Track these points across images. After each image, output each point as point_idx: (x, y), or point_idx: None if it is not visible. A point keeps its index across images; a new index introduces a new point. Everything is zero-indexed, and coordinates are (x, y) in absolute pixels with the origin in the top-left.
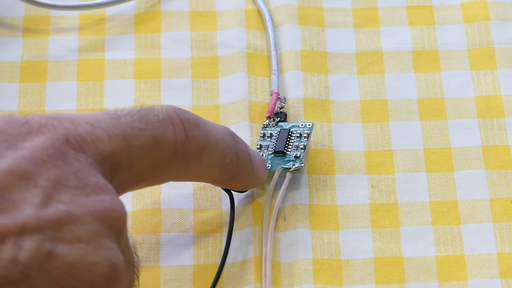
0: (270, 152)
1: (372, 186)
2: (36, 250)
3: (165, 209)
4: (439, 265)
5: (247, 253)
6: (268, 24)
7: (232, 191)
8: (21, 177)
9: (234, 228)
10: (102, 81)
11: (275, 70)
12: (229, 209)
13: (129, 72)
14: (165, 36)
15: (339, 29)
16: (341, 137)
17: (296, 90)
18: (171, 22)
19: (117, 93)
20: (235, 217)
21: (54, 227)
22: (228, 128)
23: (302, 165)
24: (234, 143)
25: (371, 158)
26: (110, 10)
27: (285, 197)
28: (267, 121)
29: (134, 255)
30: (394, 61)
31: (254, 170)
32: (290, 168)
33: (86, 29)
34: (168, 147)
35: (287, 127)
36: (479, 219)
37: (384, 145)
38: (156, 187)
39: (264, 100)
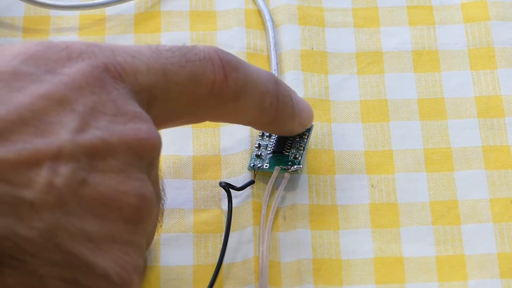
0: (268, 152)
1: (372, 186)
2: (71, 176)
3: (165, 209)
4: (439, 265)
5: (247, 253)
6: (268, 24)
7: (230, 190)
8: (59, 102)
9: (234, 228)
10: None
11: (274, 70)
12: (228, 213)
13: None
14: (165, 36)
15: (339, 29)
16: (341, 137)
17: (296, 90)
18: (171, 22)
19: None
20: (235, 217)
21: (89, 154)
22: (271, 73)
23: (301, 166)
24: (276, 88)
25: (371, 158)
26: (110, 10)
27: (285, 197)
28: None
29: (161, 190)
30: (394, 61)
31: (297, 116)
32: (289, 169)
33: (86, 29)
34: (206, 86)
35: None
36: (479, 219)
37: (384, 145)
38: None
39: None
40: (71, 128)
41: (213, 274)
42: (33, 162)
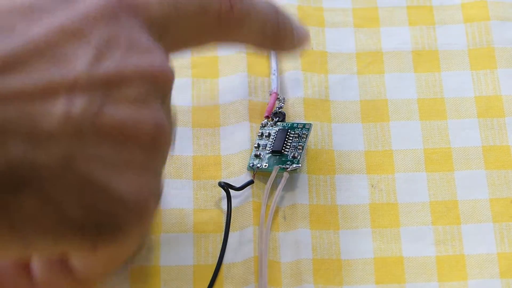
0: (267, 152)
1: (372, 186)
2: (87, 107)
3: (165, 209)
4: (439, 265)
5: (247, 253)
6: None
7: (230, 190)
8: (74, 34)
9: (234, 228)
10: None
11: (274, 70)
12: (227, 213)
13: None
14: None
15: (339, 29)
16: (341, 137)
17: (296, 90)
18: None
19: None
20: (235, 217)
21: (104, 85)
22: (272, 4)
23: (300, 165)
24: (276, 16)
25: (371, 158)
26: None
27: (285, 197)
28: (266, 120)
29: (173, 118)
30: (394, 61)
31: (295, 38)
32: (288, 168)
33: None
34: (213, 15)
35: (285, 127)
36: (479, 219)
37: (384, 145)
38: None
39: (264, 100)
40: (86, 59)
41: (213, 274)
42: (49, 92)
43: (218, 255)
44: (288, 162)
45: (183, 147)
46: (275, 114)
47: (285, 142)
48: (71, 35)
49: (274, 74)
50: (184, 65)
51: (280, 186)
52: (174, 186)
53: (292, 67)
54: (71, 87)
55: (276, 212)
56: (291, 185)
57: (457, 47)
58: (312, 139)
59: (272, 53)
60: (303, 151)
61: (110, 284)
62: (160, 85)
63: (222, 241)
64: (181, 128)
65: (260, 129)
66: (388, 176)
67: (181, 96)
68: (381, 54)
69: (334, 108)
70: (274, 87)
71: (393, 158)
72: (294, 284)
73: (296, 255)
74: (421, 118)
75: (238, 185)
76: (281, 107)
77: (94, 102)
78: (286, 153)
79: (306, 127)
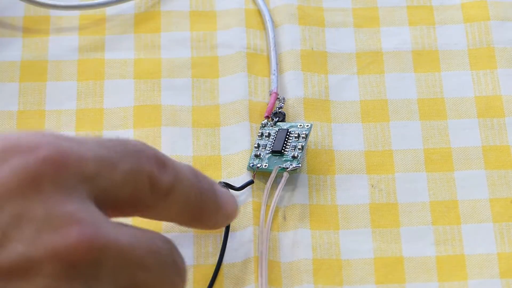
0: (267, 151)
1: (372, 186)
2: None
3: None
4: (439, 265)
5: (247, 253)
6: (268, 24)
7: (230, 190)
8: None
9: (234, 228)
10: (102, 81)
11: (274, 70)
12: None
13: (129, 72)
14: (165, 36)
15: (339, 29)
16: (341, 137)
17: (296, 90)
18: (171, 22)
19: (117, 93)
20: (236, 217)
21: (7, 277)
22: (191, 167)
23: (300, 165)
24: (197, 182)
25: (371, 158)
26: (110, 10)
27: (285, 197)
28: (266, 120)
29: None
30: (394, 61)
31: (222, 208)
32: (287, 168)
33: (86, 29)
34: (146, 177)
35: (285, 127)
36: (479, 219)
37: (384, 145)
38: None
39: (264, 100)
40: None
41: (213, 274)
42: None
43: (218, 255)
44: (288, 162)
45: (183, 147)
46: (275, 114)
47: (285, 142)
48: None
49: (274, 74)
50: (184, 65)
51: (280, 186)
52: None
53: (292, 67)
54: None
55: (276, 212)
56: (291, 185)
57: (457, 47)
58: (312, 139)
59: (272, 53)
60: (303, 151)
61: None
62: (79, 263)
63: (222, 241)
64: (181, 128)
65: (260, 129)
66: (388, 176)
67: (181, 96)
68: (381, 54)
69: (334, 108)
70: (274, 87)
71: (393, 158)
72: (294, 284)
73: (296, 255)
74: (421, 118)
75: (238, 185)
76: (281, 107)
77: None
78: (286, 153)
79: (306, 127)
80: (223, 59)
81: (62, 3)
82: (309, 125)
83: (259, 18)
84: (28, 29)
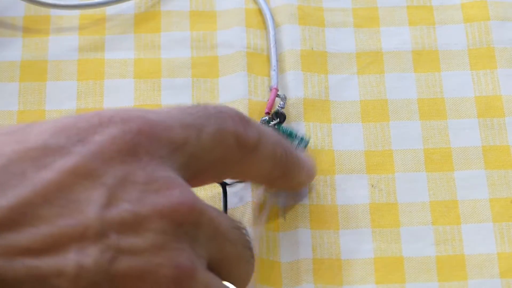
0: None
1: (372, 186)
2: (100, 256)
3: None
4: (439, 265)
5: None
6: (269, 21)
7: (226, 187)
8: (86, 175)
9: None
10: (102, 81)
11: (274, 66)
12: (223, 206)
13: (129, 72)
14: (165, 36)
15: (339, 29)
16: (341, 137)
17: (296, 90)
18: (171, 22)
19: (117, 93)
20: (235, 217)
21: (118, 229)
22: (271, 129)
23: None
24: (280, 140)
25: (371, 158)
26: (110, 10)
27: (285, 197)
28: (266, 117)
29: (238, 245)
30: (394, 61)
31: (305, 167)
32: None
33: (86, 29)
34: (232, 137)
35: (284, 133)
36: (479, 219)
37: (384, 145)
38: None
39: (264, 99)
40: (98, 203)
41: None
42: (59, 246)
43: None
44: None
45: None
46: (276, 114)
47: None
48: (84, 177)
49: (274, 70)
50: (184, 65)
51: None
52: None
53: (292, 67)
54: (82, 237)
55: (276, 212)
56: None
57: (457, 47)
58: (312, 139)
59: (272, 49)
60: None
61: None
62: (181, 220)
63: None
64: None
65: None
66: (388, 176)
67: (181, 96)
68: (381, 54)
69: (334, 108)
70: (274, 83)
71: (393, 158)
72: (294, 284)
73: (296, 255)
74: (421, 118)
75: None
76: (282, 107)
77: (107, 252)
78: None
79: (305, 141)
80: (223, 59)
81: (62, 3)
82: (308, 139)
83: (259, 18)
84: (28, 29)
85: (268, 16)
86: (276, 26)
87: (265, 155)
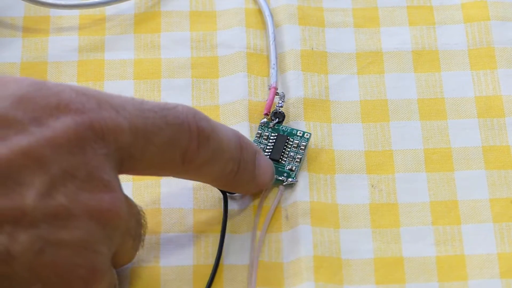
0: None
1: (372, 186)
2: (29, 245)
3: (165, 209)
4: (439, 265)
5: (248, 256)
6: (268, 19)
7: (227, 193)
8: (35, 160)
9: (235, 231)
10: (102, 82)
11: (273, 64)
12: (224, 210)
13: (129, 73)
14: (165, 36)
15: (339, 29)
16: (341, 137)
17: (296, 90)
18: (171, 22)
19: (117, 93)
20: (236, 221)
21: (50, 221)
22: (238, 137)
23: (296, 180)
24: (239, 154)
25: (371, 158)
26: (110, 10)
27: (286, 196)
28: (265, 119)
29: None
30: (394, 61)
31: (256, 179)
32: (284, 182)
33: (86, 29)
34: (180, 152)
35: (285, 133)
36: (479, 219)
37: (384, 145)
38: (156, 187)
39: (264, 99)
40: (38, 191)
41: (211, 274)
42: None
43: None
44: (285, 174)
45: None
46: (275, 114)
47: (283, 150)
48: (33, 160)
49: (273, 68)
50: (184, 65)
51: (276, 201)
52: (174, 186)
53: (292, 67)
54: (15, 222)
55: (279, 212)
56: (292, 184)
57: (457, 47)
58: (312, 139)
59: (272, 47)
60: (300, 164)
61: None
62: (106, 223)
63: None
64: None
65: (259, 129)
66: (388, 176)
67: (181, 96)
68: (381, 54)
69: (334, 108)
70: (273, 81)
71: (393, 158)
72: (295, 282)
73: (297, 253)
74: (421, 118)
75: None
76: (281, 106)
77: (36, 243)
78: (283, 162)
79: (305, 137)
80: (223, 59)
81: (62, 2)
82: (309, 135)
83: (259, 18)
84: (28, 29)
85: (267, 14)
86: (276, 26)
87: (211, 172)
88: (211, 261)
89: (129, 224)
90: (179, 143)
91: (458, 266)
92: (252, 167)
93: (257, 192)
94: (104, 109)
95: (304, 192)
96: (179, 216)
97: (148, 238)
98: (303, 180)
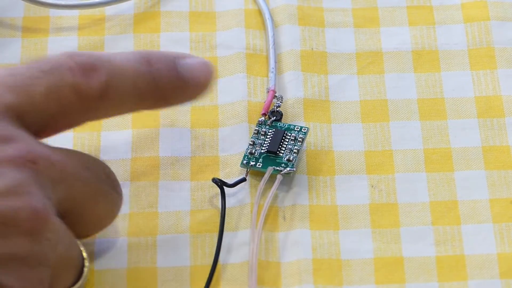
0: (263, 151)
1: (372, 186)
2: None
3: (162, 212)
4: (439, 265)
5: (245, 255)
6: (268, 22)
7: (224, 187)
8: None
9: (231, 229)
10: None
11: (272, 68)
12: (221, 206)
13: None
14: (165, 36)
15: (339, 29)
16: (341, 138)
17: (295, 91)
18: (170, 23)
19: None
20: (232, 219)
21: None
22: (139, 53)
23: (294, 169)
24: (147, 67)
25: (371, 158)
26: (109, 10)
27: (284, 197)
28: (262, 118)
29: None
30: (394, 61)
31: (188, 83)
32: (281, 171)
33: (85, 29)
34: (70, 91)
35: (282, 129)
36: (479, 219)
37: (384, 145)
38: (153, 189)
39: (263, 100)
40: None
41: (210, 273)
42: None
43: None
44: (283, 164)
45: (181, 148)
46: (272, 112)
47: (281, 143)
48: None
49: (272, 72)
50: None
51: (274, 188)
52: (171, 188)
53: (292, 67)
54: None
55: (276, 212)
56: (291, 186)
57: (457, 47)
58: (312, 139)
59: (271, 51)
60: (298, 155)
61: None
62: (26, 170)
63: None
64: (179, 129)
65: (257, 126)
66: (388, 176)
67: None
68: (381, 54)
69: (334, 108)
70: (271, 84)
71: (393, 158)
72: (294, 284)
73: (296, 255)
74: (421, 118)
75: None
76: (279, 106)
77: None
78: (281, 154)
79: (303, 131)
80: (223, 60)
81: (62, 2)
82: (306, 129)
83: (258, 19)
84: (27, 29)
85: (267, 17)
86: (275, 26)
87: (121, 95)
88: (208, 261)
89: (65, 167)
90: (63, 82)
91: (458, 266)
92: (172, 73)
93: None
94: None
95: (303, 195)
96: (176, 218)
97: (144, 240)
98: (302, 183)
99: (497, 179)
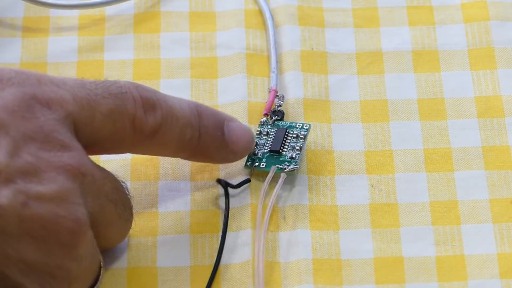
0: (265, 151)
1: (372, 186)
2: (12, 197)
3: (162, 213)
4: (439, 265)
5: (246, 255)
6: (269, 22)
7: (228, 188)
8: None
9: (233, 229)
10: None
11: (274, 67)
12: (225, 206)
13: (128, 73)
14: (165, 36)
15: (339, 29)
16: (341, 137)
17: (296, 91)
18: (170, 23)
19: None
20: (234, 219)
21: (23, 178)
22: (195, 106)
23: (297, 166)
24: (198, 121)
25: (371, 158)
26: (109, 10)
27: (284, 197)
28: (264, 118)
29: (114, 203)
30: (394, 61)
31: (229, 145)
32: (285, 169)
33: (85, 29)
34: (128, 120)
35: (284, 127)
36: (479, 219)
37: (384, 145)
38: (153, 189)
39: (263, 100)
40: (6, 149)
41: (211, 273)
42: None
43: (215, 255)
44: (286, 163)
45: None
46: (274, 112)
47: (283, 142)
48: None
49: (273, 71)
50: (184, 65)
51: (278, 187)
52: (171, 187)
53: (292, 67)
54: None
55: (276, 212)
56: (291, 186)
57: (457, 47)
58: (312, 139)
59: (272, 51)
60: (301, 152)
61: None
62: (76, 180)
63: (219, 241)
64: None
65: (259, 127)
66: (388, 176)
67: (180, 96)
68: (381, 54)
69: (334, 109)
70: (273, 84)
71: (393, 158)
72: (294, 284)
73: (296, 255)
74: (421, 118)
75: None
76: (280, 105)
77: (19, 195)
78: (284, 153)
79: (305, 128)
80: (223, 60)
81: (62, 2)
82: (308, 125)
83: (259, 19)
84: (27, 29)
85: (267, 16)
86: (276, 26)
87: (168, 139)
88: (209, 261)
89: (103, 186)
90: (125, 110)
91: (458, 266)
92: (217, 133)
93: (233, 158)
94: (44, 84)
95: (303, 195)
96: (176, 218)
97: (144, 240)
98: (303, 183)
99: (497, 179)
